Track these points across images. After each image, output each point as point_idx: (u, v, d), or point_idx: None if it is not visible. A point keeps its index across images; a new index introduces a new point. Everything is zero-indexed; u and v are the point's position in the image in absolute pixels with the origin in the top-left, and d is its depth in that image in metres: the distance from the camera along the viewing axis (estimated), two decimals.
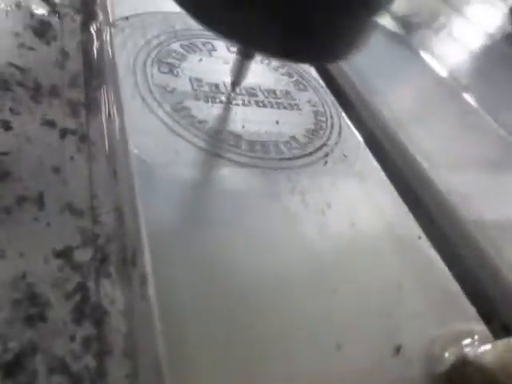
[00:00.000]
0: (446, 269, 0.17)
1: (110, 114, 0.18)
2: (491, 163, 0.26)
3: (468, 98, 0.32)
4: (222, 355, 0.12)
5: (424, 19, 0.44)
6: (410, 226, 0.18)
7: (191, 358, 0.11)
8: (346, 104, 0.26)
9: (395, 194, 0.20)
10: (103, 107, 0.19)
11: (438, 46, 0.39)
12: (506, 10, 0.53)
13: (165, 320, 0.12)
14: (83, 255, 0.15)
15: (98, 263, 0.15)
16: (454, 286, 0.16)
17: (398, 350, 0.13)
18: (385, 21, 0.40)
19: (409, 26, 0.41)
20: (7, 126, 0.16)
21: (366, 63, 0.31)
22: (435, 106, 0.30)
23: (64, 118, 0.18)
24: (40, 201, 0.15)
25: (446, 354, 0.13)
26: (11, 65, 0.19)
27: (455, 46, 0.42)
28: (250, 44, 0.15)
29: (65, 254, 0.14)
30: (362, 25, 0.15)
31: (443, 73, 0.34)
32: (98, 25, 0.23)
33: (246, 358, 0.12)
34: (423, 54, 0.36)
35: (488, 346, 0.13)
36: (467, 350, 0.13)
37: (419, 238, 0.18)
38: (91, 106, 0.19)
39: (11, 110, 0.17)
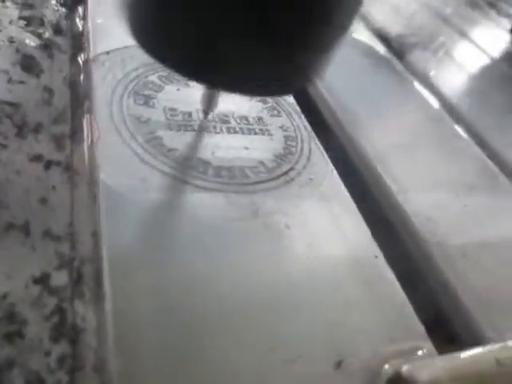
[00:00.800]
0: (399, 288, 0.18)
1: (91, 145, 0.20)
2: (465, 187, 0.27)
3: (452, 121, 0.32)
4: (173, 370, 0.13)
5: (421, 40, 0.45)
6: (368, 245, 0.19)
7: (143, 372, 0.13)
8: (320, 128, 0.27)
9: (359, 215, 0.21)
10: (86, 138, 0.20)
11: (433, 67, 0.40)
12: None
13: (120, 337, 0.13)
14: (60, 279, 0.16)
15: (73, 284, 0.16)
16: (406, 305, 0.17)
17: (339, 364, 0.14)
18: (374, 42, 0.41)
19: (403, 46, 0.42)
20: None
21: (349, 87, 0.32)
22: (416, 132, 0.31)
23: (50, 151, 0.20)
24: (26, 228, 0.17)
25: (386, 368, 0.14)
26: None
27: (451, 67, 0.42)
28: (210, 84, 0.16)
29: (42, 280, 0.16)
30: (317, 57, 0.16)
31: (430, 96, 0.35)
32: (86, 57, 0.25)
33: (196, 373, 0.13)
34: (410, 78, 0.37)
35: (426, 362, 0.14)
36: (405, 365, 0.14)
37: (376, 257, 0.19)
38: (76, 136, 0.21)
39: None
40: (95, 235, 0.17)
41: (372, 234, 0.20)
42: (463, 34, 0.49)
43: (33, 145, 0.20)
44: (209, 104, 0.20)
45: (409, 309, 0.17)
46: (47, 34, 0.27)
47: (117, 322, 0.13)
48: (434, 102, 0.34)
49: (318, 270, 0.17)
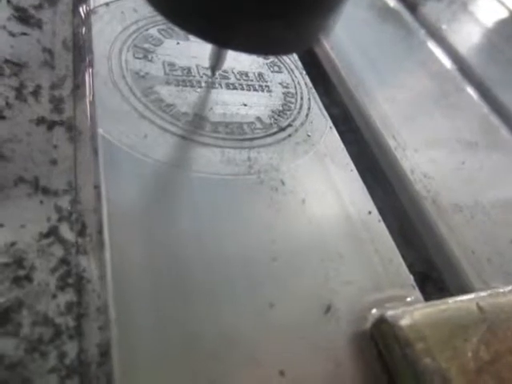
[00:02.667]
0: (391, 242, 0.18)
1: (93, 100, 0.20)
2: (466, 144, 0.27)
3: (461, 77, 0.32)
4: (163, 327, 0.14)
5: None
6: (362, 201, 0.20)
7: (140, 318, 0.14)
8: (322, 85, 0.27)
9: (355, 172, 0.21)
10: (87, 93, 0.20)
11: (446, 20, 0.38)
12: None
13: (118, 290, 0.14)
14: (64, 231, 0.17)
15: (77, 235, 0.17)
16: (396, 257, 0.18)
17: (328, 309, 0.15)
18: None
19: None
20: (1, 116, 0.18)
21: (354, 42, 0.32)
22: (422, 88, 0.30)
23: (51, 112, 0.20)
24: (35, 182, 0.18)
25: (372, 313, 0.15)
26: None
27: (465, 21, 0.41)
28: (221, 44, 0.16)
29: (49, 232, 0.17)
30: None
31: (438, 50, 0.34)
32: (88, 8, 0.25)
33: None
34: (421, 31, 0.36)
35: (410, 308, 0.15)
36: (389, 310, 0.15)
37: (369, 212, 0.19)
38: (78, 92, 0.21)
39: (7, 103, 0.19)
40: (97, 188, 0.18)
41: (368, 190, 0.20)
42: None
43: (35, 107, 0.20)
44: (217, 61, 0.20)
45: (399, 260, 0.18)
46: None
47: (115, 271, 0.14)
48: (444, 58, 0.33)
49: (311, 224, 0.17)
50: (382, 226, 0.19)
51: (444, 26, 0.37)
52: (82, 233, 0.17)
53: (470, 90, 0.31)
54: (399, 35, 0.35)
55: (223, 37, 0.15)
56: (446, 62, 0.33)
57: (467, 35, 0.39)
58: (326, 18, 0.16)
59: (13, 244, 0.16)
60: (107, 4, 0.23)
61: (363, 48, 0.31)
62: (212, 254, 0.15)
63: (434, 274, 0.20)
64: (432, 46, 0.35)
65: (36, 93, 0.20)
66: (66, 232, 0.17)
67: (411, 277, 0.17)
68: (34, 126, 0.19)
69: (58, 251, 0.16)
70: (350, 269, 0.17)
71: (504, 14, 0.44)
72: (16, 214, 0.17)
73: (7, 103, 0.19)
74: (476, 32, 0.40)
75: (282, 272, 0.15)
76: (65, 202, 0.17)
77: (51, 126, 0.19)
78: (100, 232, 0.16)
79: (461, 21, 0.40)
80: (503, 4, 0.45)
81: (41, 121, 0.19)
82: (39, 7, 0.25)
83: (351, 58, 0.29)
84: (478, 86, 0.31)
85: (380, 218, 0.19)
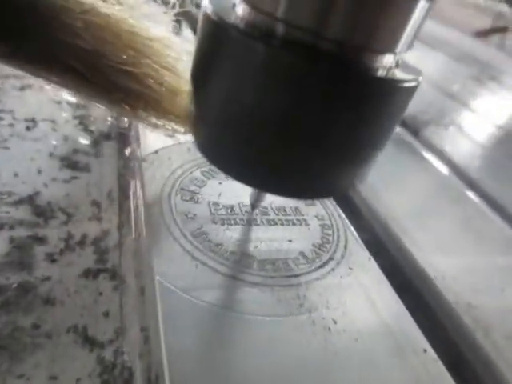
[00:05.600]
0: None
1: (139, 239, 0.21)
2: (499, 268, 0.27)
3: (473, 195, 0.33)
4: None
5: (432, 116, 0.48)
6: (415, 337, 0.19)
7: None
8: (353, 215, 0.28)
9: (401, 305, 0.21)
10: (133, 233, 0.21)
11: (448, 142, 0.41)
12: None
13: None
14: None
15: (124, 382, 0.17)
16: None
17: None
18: None
19: (418, 124, 0.44)
20: (52, 259, 0.19)
21: (375, 170, 0.34)
22: (446, 214, 0.31)
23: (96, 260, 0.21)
24: (84, 332, 0.18)
25: None
26: None
27: (465, 141, 0.44)
28: (266, 190, 0.18)
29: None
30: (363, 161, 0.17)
31: (449, 172, 0.36)
32: (132, 153, 0.27)
33: None
34: (428, 155, 0.39)
35: None
36: None
37: (425, 351, 0.18)
38: (122, 234, 0.22)
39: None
40: (145, 332, 0.18)
41: (418, 325, 0.20)
42: (470, 108, 0.52)
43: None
44: (257, 199, 0.21)
45: None
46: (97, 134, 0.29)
47: None
48: (458, 183, 0.35)
49: (368, 367, 0.17)
50: (440, 365, 0.18)
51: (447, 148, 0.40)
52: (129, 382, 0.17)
53: (490, 213, 0.32)
54: (411, 160, 0.38)
55: (261, 182, 0.17)
56: (461, 186, 0.34)
57: (470, 156, 0.41)
58: (362, 167, 0.17)
59: None
60: (156, 151, 0.25)
61: (384, 176, 0.33)
62: None
63: None
64: (443, 169, 0.37)
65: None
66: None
67: None
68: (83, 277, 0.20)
69: None
70: None
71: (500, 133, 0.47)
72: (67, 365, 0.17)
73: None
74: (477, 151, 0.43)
75: None
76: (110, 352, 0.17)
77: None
78: (157, 381, 0.15)
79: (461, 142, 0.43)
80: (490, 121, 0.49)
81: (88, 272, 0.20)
82: (86, 154, 0.27)
83: (375, 186, 0.31)
84: (494, 207, 0.32)
85: (436, 356, 0.18)
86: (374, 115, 0.14)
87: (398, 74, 0.15)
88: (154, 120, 0.20)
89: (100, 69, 0.17)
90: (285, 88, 0.13)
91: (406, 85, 0.14)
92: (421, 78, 0.15)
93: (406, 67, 0.15)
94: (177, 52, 0.19)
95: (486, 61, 0.75)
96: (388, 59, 0.14)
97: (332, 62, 0.13)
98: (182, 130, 0.20)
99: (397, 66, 0.15)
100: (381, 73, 0.14)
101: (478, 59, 0.75)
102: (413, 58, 0.17)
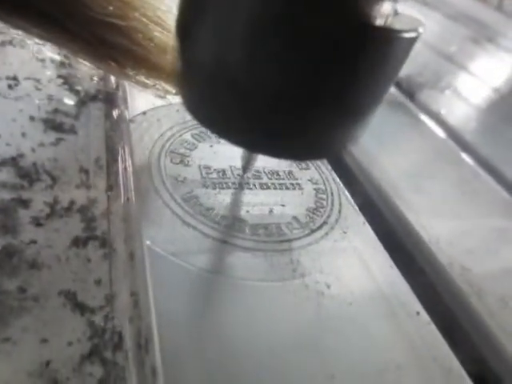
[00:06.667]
0: (447, 348, 0.17)
1: (128, 203, 0.20)
2: (494, 230, 0.27)
3: (468, 158, 0.33)
4: None
5: (428, 79, 0.46)
6: (409, 301, 0.19)
7: None
8: (348, 179, 0.27)
9: (395, 269, 0.21)
10: (122, 197, 0.21)
11: (443, 105, 0.40)
12: None
13: None
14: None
15: (114, 346, 0.16)
16: (456, 366, 0.17)
17: None
18: None
19: (413, 86, 0.43)
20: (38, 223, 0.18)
21: (369, 134, 0.33)
22: (442, 177, 0.31)
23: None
24: (74, 298, 0.17)
25: None
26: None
27: (461, 104, 0.43)
28: (256, 150, 0.17)
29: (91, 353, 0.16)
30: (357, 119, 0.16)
31: (444, 135, 0.35)
32: (120, 115, 0.26)
33: None
34: (424, 118, 0.38)
35: None
36: None
37: (418, 313, 0.18)
38: (112, 195, 0.21)
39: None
40: (134, 297, 0.17)
41: (411, 288, 0.20)
42: (467, 70, 0.51)
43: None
44: (248, 161, 0.21)
45: (460, 371, 0.17)
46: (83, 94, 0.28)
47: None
48: (453, 145, 0.34)
49: (363, 331, 0.17)
50: (433, 328, 0.18)
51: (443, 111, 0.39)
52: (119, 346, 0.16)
53: (486, 176, 0.31)
54: (407, 123, 0.37)
55: (251, 142, 0.16)
56: (456, 149, 0.34)
57: (466, 118, 0.41)
58: (357, 125, 0.16)
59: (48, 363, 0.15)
60: (144, 113, 0.24)
61: (379, 139, 0.32)
62: (264, 365, 0.15)
63: (491, 378, 0.19)
64: (439, 132, 0.36)
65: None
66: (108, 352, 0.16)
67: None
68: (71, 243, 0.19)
69: (96, 371, 0.15)
70: (410, 381, 0.16)
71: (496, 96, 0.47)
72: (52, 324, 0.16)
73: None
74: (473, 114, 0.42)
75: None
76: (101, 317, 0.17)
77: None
78: (146, 346, 0.15)
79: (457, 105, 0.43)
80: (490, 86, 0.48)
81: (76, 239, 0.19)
82: (71, 116, 0.26)
83: (370, 151, 0.30)
84: (492, 171, 0.32)
85: (429, 319, 0.18)
86: (371, 67, 0.14)
87: (398, 23, 0.14)
88: (143, 79, 0.19)
89: (83, 20, 0.16)
90: (280, 39, 0.12)
91: (406, 35, 0.13)
92: (421, 29, 0.14)
93: (407, 17, 0.14)
94: (167, 5, 0.17)
95: (484, 21, 0.73)
96: (386, 6, 0.13)
97: (328, 10, 0.12)
98: (174, 90, 0.19)
99: (395, 14, 0.14)
100: (379, 22, 0.13)
101: (476, 19, 0.73)
102: None
